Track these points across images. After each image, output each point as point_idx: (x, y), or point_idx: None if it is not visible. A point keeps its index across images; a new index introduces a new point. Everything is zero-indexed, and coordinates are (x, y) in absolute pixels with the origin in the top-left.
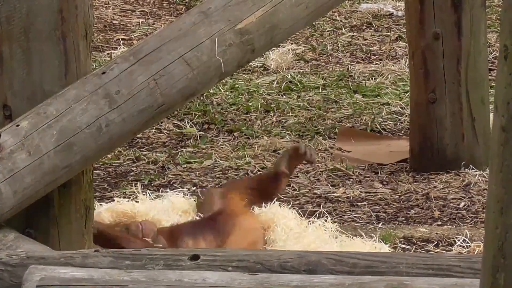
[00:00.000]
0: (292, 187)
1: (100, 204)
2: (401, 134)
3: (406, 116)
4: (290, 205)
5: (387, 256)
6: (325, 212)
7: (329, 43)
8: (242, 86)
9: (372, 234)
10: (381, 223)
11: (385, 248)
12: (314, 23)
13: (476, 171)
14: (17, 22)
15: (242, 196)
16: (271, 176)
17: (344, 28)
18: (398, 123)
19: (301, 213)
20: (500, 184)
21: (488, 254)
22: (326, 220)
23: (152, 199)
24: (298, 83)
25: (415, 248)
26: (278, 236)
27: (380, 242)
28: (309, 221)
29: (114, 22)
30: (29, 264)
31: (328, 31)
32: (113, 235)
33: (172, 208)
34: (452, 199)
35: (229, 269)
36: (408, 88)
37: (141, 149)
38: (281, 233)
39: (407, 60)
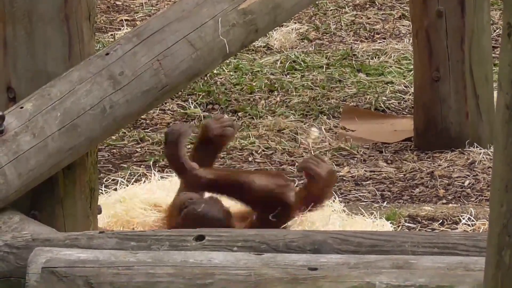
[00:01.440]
0: (296, 166)
1: None
2: (405, 113)
3: (410, 94)
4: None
5: (392, 235)
6: (332, 192)
7: (332, 22)
8: (245, 66)
9: (377, 213)
10: (386, 202)
11: (388, 226)
12: (317, 2)
13: (480, 149)
14: (20, 4)
15: None
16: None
17: (347, 7)
18: (402, 102)
19: None
20: (505, 162)
21: (493, 232)
22: (333, 201)
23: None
24: (302, 63)
25: (420, 227)
26: None
27: (382, 218)
28: None
29: (117, 3)
30: (34, 246)
31: (331, 10)
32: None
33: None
34: (457, 177)
35: (234, 249)
36: (412, 67)
37: (146, 130)
38: None
39: (411, 38)
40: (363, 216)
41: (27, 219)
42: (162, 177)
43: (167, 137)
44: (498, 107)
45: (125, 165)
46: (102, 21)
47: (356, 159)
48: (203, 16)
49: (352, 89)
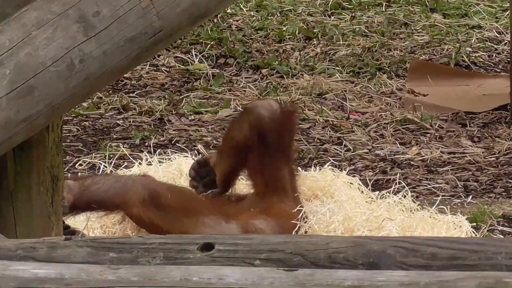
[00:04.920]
0: (345, 146)
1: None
2: (498, 70)
3: (505, 44)
4: (345, 172)
5: (479, 243)
6: (401, 182)
7: None
8: (272, 3)
9: (459, 212)
10: (471, 197)
11: (470, 230)
12: None
13: None
14: None
15: None
16: None
17: None
18: (493, 55)
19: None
20: None
21: None
22: (405, 196)
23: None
24: None
25: None
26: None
27: (456, 214)
28: (378, 196)
29: None
30: None
31: None
32: None
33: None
34: None
35: (256, 263)
36: (508, 5)
37: (130, 95)
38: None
39: None
40: (435, 215)
41: None
42: (160, 161)
43: None
44: None
45: (101, 144)
46: None
47: (429, 135)
48: None
49: (423, 36)
